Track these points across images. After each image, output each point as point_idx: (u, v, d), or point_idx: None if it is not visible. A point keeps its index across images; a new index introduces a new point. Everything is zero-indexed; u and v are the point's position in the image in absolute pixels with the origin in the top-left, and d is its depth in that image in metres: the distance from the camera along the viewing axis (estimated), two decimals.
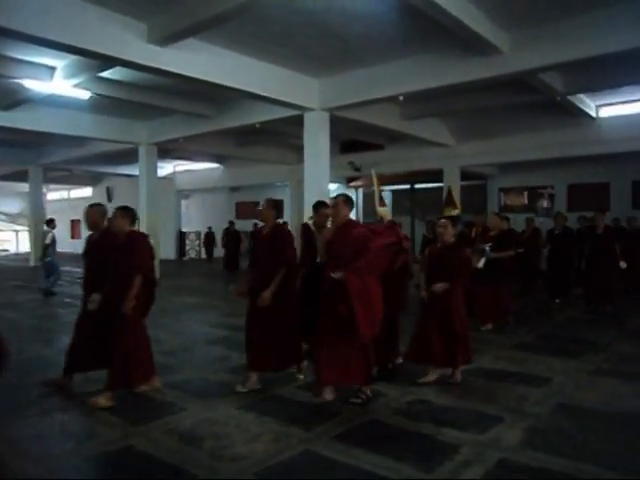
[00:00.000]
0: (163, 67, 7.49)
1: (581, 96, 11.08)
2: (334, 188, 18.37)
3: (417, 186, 18.03)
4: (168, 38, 7.14)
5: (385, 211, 9.10)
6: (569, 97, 10.30)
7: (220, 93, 10.37)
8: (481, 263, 6.66)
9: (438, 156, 14.81)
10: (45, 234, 11.19)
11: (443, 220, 4.94)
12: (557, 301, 9.35)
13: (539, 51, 7.46)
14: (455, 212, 8.90)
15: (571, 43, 7.16)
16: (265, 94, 8.99)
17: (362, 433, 3.64)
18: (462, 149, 14.50)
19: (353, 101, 9.46)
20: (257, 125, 11.57)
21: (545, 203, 10.81)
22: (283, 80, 9.20)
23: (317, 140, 10.10)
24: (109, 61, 7.36)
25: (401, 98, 9.12)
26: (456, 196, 8.61)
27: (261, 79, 8.81)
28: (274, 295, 4.38)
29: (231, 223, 17.85)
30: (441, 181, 15.48)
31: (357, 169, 16.33)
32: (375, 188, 9.03)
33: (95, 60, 7.63)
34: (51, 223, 11.36)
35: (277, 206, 4.78)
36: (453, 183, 15.05)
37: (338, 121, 10.50)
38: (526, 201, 9.80)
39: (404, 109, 11.83)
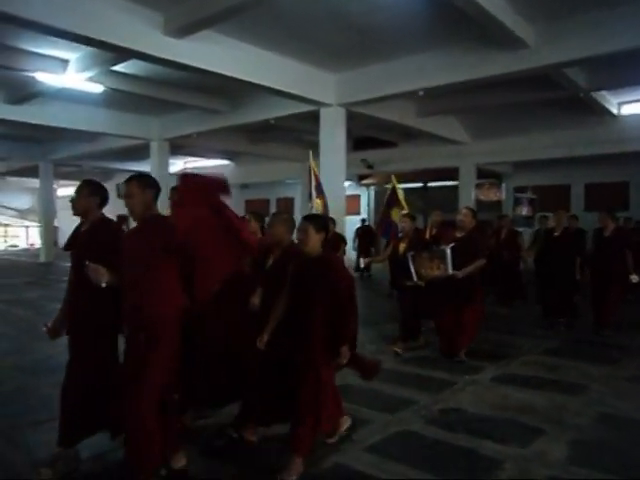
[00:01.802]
0: (178, 59, 7.30)
1: (603, 93, 10.80)
2: (346, 185, 18.14)
3: (431, 184, 17.74)
4: (184, 29, 6.95)
5: (319, 205, 8.20)
6: (592, 94, 10.03)
7: (234, 88, 10.15)
8: (449, 268, 5.07)
9: (453, 154, 14.54)
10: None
11: (304, 222, 3.21)
12: (561, 320, 7.10)
13: (566, 45, 7.21)
14: (403, 213, 7.27)
15: (600, 36, 6.90)
16: (281, 88, 8.79)
17: (396, 445, 3.42)
18: (478, 147, 14.23)
19: (371, 96, 9.24)
20: (271, 121, 11.37)
21: (525, 210, 9.17)
22: (299, 75, 8.99)
23: (333, 136, 9.88)
24: (124, 53, 7.16)
25: (421, 93, 8.86)
26: (401, 194, 7.58)
27: (277, 73, 8.62)
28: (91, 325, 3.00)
29: None
30: (454, 179, 15.24)
31: (370, 166, 16.10)
32: (313, 177, 8.25)
33: (110, 52, 7.44)
34: (123, 219, 11.79)
35: (99, 191, 3.15)
36: (468, 181, 14.81)
37: (351, 117, 10.27)
38: (503, 196, 8.27)
39: (420, 106, 11.59)
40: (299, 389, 3.02)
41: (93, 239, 3.04)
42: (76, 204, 3.15)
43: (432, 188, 17.67)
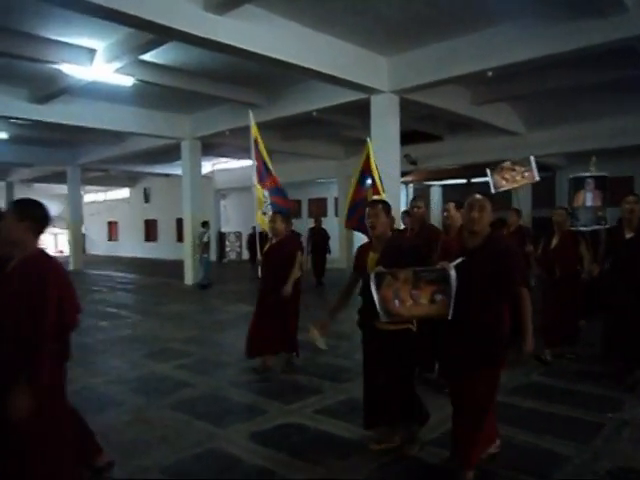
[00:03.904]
0: (219, 39, 6.40)
1: None
2: None
3: (475, 180, 16.58)
4: (226, 3, 6.06)
5: (260, 192, 5.51)
6: None
7: (272, 77, 9.32)
8: (451, 303, 2.80)
9: (506, 146, 13.40)
10: (202, 234, 12.61)
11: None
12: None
13: None
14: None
15: None
16: (329, 72, 7.82)
17: None
18: (534, 137, 13.10)
19: (431, 80, 8.19)
20: (313, 113, 10.44)
21: (590, 199, 5.67)
22: (349, 57, 8.02)
23: (386, 127, 8.89)
24: (161, 32, 6.24)
25: (490, 74, 7.80)
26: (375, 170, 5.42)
27: (325, 55, 7.67)
28: None
29: None
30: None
31: (413, 162, 15.05)
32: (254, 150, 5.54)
33: (145, 31, 6.52)
34: (206, 225, 12.72)
35: None
36: None
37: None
38: (536, 177, 5.20)
39: (475, 92, 10.55)
40: None
41: None
42: None
43: (477, 184, 16.53)
